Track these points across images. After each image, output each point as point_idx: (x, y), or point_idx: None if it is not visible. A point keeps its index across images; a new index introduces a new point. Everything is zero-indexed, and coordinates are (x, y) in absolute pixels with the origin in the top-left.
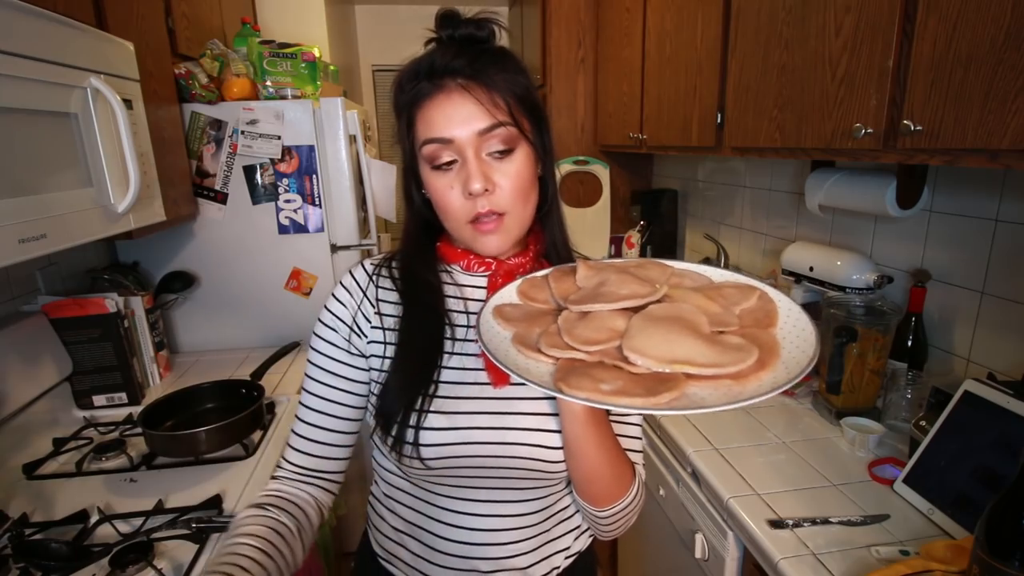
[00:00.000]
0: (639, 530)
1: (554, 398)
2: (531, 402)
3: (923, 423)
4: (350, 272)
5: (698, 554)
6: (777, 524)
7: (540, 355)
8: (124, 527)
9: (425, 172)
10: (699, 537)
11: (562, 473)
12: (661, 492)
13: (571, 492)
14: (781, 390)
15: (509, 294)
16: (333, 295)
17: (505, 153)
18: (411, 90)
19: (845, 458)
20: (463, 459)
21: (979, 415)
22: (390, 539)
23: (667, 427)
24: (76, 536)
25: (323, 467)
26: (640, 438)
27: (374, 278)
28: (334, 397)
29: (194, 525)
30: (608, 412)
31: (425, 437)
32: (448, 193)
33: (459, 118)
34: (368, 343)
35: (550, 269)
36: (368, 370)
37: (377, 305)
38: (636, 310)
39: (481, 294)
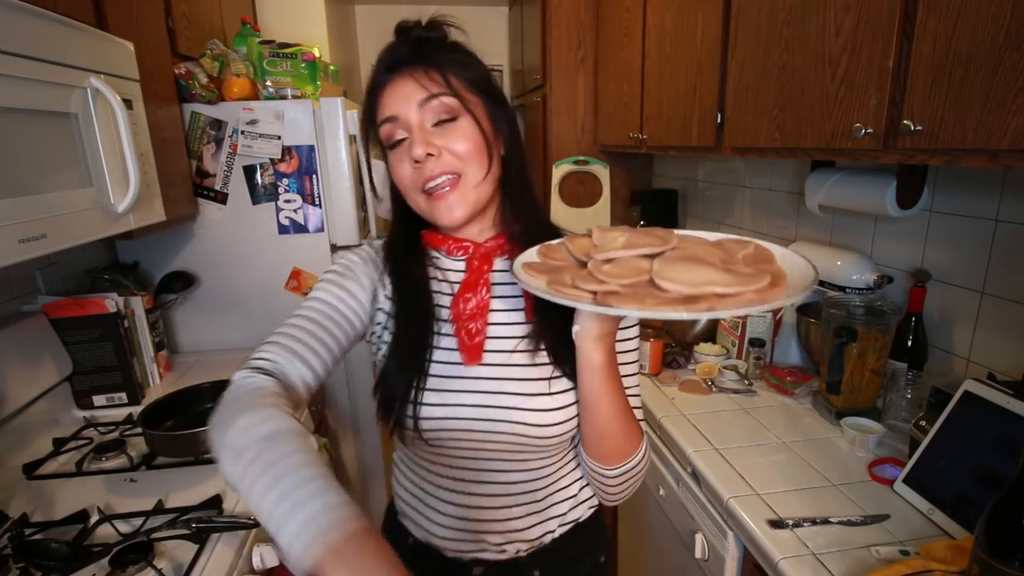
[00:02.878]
0: (639, 530)
1: (549, 364)
2: (515, 383)
3: (923, 423)
4: (368, 245)
5: (698, 554)
6: (777, 524)
7: (578, 291)
8: (124, 527)
9: (387, 156)
10: (699, 537)
11: (548, 446)
12: (661, 492)
13: (566, 463)
14: (800, 298)
15: (529, 255)
16: (357, 253)
17: (447, 121)
18: (370, 83)
19: (845, 458)
20: (456, 432)
21: (979, 415)
22: (403, 499)
23: (667, 427)
24: (76, 536)
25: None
26: (639, 407)
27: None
28: (339, 305)
29: (194, 525)
30: (569, 373)
31: (423, 414)
32: (400, 167)
33: (402, 95)
34: (377, 310)
35: (563, 238)
36: (368, 323)
37: (386, 288)
38: (653, 260)
39: (461, 277)
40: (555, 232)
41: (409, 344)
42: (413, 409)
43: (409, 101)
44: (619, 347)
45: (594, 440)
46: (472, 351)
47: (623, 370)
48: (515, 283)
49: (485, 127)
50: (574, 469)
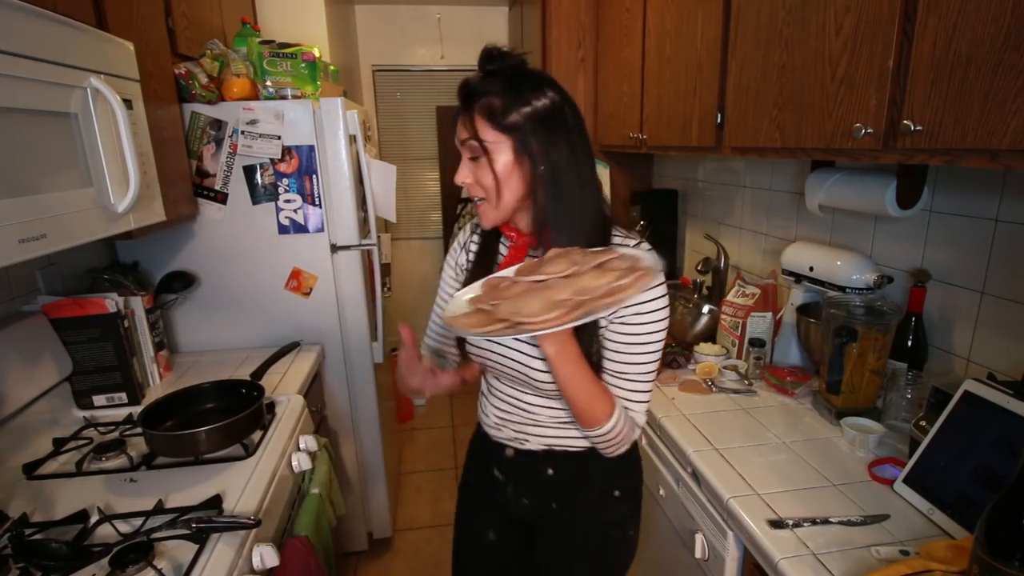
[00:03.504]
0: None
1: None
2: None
3: (923, 423)
4: (458, 228)
5: (698, 554)
6: (777, 524)
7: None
8: (124, 527)
9: None
10: (699, 537)
11: (546, 386)
12: (661, 492)
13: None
14: (656, 283)
15: (473, 289)
16: (455, 237)
17: (474, 159)
18: None
19: (845, 458)
20: (491, 361)
21: (979, 415)
22: (479, 401)
23: (667, 427)
24: (76, 536)
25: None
26: (628, 385)
27: (472, 235)
28: (442, 294)
29: (194, 525)
30: (591, 362)
31: (468, 347)
32: None
33: (456, 133)
34: (455, 276)
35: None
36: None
37: (467, 254)
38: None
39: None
40: (601, 228)
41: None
42: (462, 341)
43: (457, 139)
44: (622, 336)
45: (568, 406)
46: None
47: (624, 357)
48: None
49: (505, 163)
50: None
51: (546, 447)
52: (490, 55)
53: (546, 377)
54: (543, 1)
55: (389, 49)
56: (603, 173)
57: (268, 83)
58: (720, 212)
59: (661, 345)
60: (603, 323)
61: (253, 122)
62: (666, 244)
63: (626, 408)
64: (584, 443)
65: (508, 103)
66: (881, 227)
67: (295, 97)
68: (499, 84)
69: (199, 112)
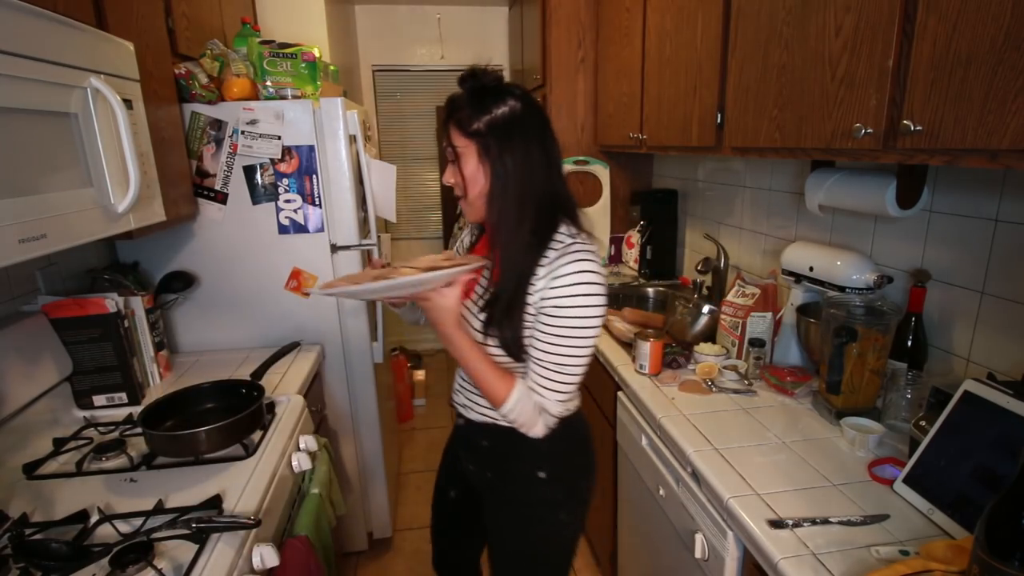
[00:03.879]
0: (639, 530)
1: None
2: (471, 313)
3: (923, 423)
4: (459, 228)
5: (698, 554)
6: (777, 524)
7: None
8: (124, 527)
9: None
10: (699, 537)
11: (497, 358)
12: (661, 492)
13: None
14: (471, 267)
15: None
16: (456, 237)
17: (453, 162)
18: None
19: (845, 458)
20: None
21: (979, 415)
22: None
23: (667, 427)
24: (76, 536)
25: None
26: (542, 372)
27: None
28: None
29: (194, 525)
30: (506, 344)
31: None
32: None
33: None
34: None
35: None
36: None
37: (463, 244)
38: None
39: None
40: (547, 222)
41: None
42: None
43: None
44: (542, 327)
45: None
46: (467, 288)
47: (541, 346)
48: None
49: (471, 165)
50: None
51: (483, 419)
52: (470, 74)
53: (492, 349)
54: (543, 1)
55: (389, 49)
56: (603, 173)
57: (268, 83)
58: (720, 212)
59: (584, 345)
60: (533, 312)
61: (253, 122)
62: (666, 244)
63: (537, 394)
64: (507, 422)
65: (472, 113)
66: (881, 227)
67: (295, 97)
68: (467, 96)
69: (199, 112)
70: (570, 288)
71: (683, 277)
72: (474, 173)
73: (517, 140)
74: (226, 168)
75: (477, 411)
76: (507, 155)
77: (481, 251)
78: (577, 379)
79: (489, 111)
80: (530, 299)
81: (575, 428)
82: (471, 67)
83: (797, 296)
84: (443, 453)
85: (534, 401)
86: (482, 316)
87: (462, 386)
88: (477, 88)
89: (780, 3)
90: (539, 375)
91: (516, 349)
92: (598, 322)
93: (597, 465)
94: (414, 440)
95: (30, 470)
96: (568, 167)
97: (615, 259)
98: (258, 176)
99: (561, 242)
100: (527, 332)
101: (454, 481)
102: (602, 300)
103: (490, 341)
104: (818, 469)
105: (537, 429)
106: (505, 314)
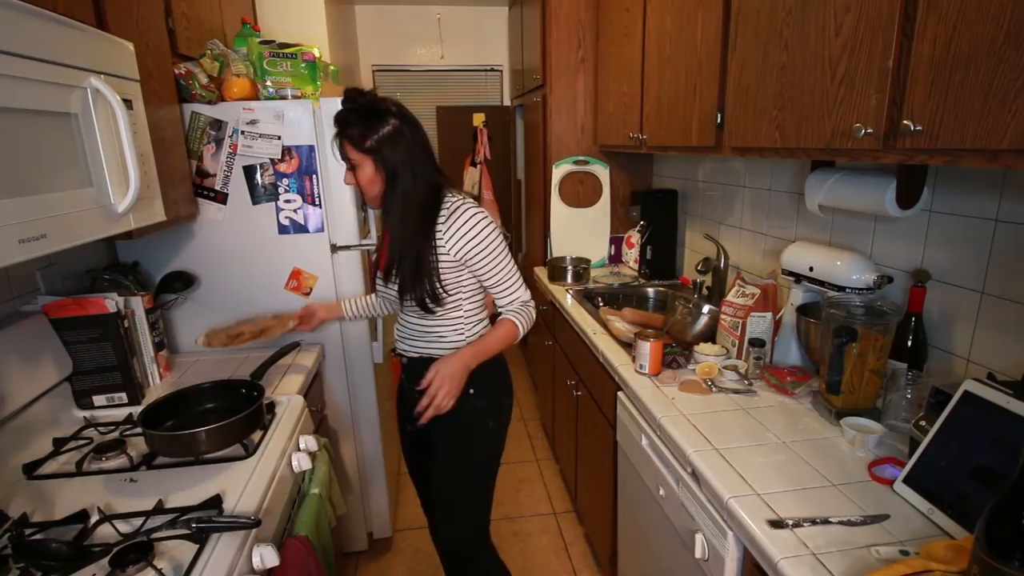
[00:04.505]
0: (639, 530)
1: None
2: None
3: (923, 423)
4: None
5: (698, 554)
6: (777, 524)
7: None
8: (124, 527)
9: None
10: (699, 537)
11: (422, 313)
12: (661, 492)
13: (438, 322)
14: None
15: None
16: None
17: (350, 169)
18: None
19: (845, 458)
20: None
21: (979, 415)
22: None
23: (667, 427)
24: (76, 536)
25: None
26: (503, 285)
27: None
28: None
29: (194, 525)
30: (429, 293)
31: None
32: None
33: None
34: None
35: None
36: None
37: None
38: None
39: None
40: (433, 199)
41: (377, 252)
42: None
43: (337, 154)
44: (471, 263)
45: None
46: (382, 268)
47: (486, 272)
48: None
49: (366, 173)
50: (447, 327)
51: (421, 354)
52: (350, 96)
53: (411, 308)
54: (543, 1)
55: (389, 49)
56: (603, 173)
57: (268, 83)
58: (720, 212)
59: (504, 251)
60: (454, 260)
61: (253, 122)
62: (666, 244)
63: (515, 299)
64: (444, 352)
65: (363, 132)
66: (881, 227)
67: (295, 97)
68: (356, 117)
69: (199, 112)
70: (473, 229)
71: (683, 277)
72: (371, 180)
73: (401, 148)
74: (226, 168)
75: (415, 351)
76: (396, 162)
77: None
78: (516, 270)
79: (377, 130)
80: (444, 256)
81: (495, 359)
82: (349, 89)
83: (797, 296)
84: (396, 392)
85: (518, 311)
86: (394, 284)
87: (401, 335)
88: (362, 109)
89: (780, 3)
90: (503, 288)
91: (435, 300)
92: (499, 235)
93: (514, 391)
94: None
95: (30, 470)
96: (568, 167)
97: (615, 259)
98: (258, 176)
99: (448, 205)
100: (450, 279)
101: (409, 415)
102: (492, 223)
103: (405, 300)
104: (818, 469)
105: (533, 313)
106: (413, 278)
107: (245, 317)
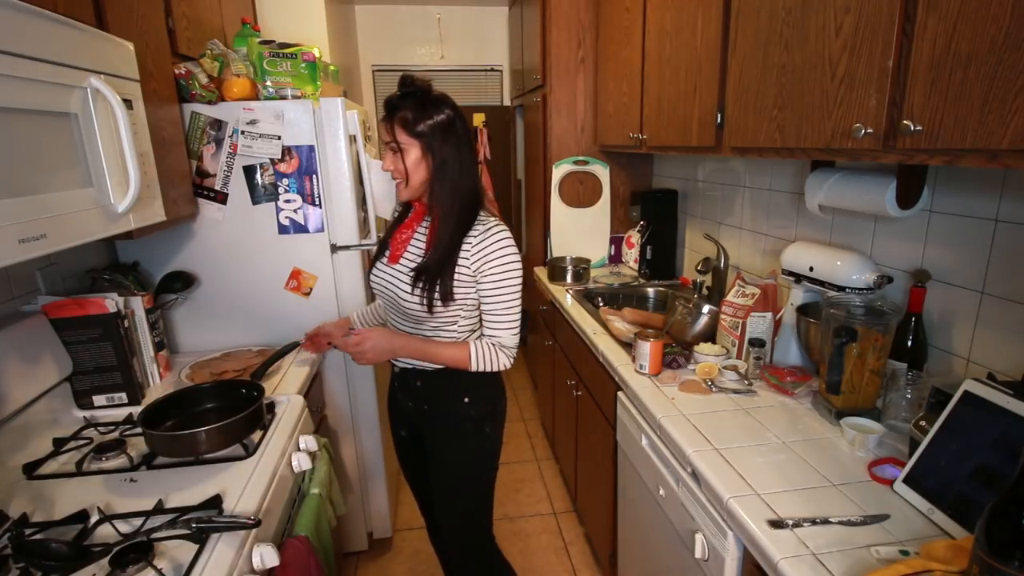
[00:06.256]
0: (639, 530)
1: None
2: (402, 275)
3: (923, 423)
4: None
5: (698, 554)
6: (777, 524)
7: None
8: (124, 527)
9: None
10: (699, 537)
11: (413, 311)
12: (661, 492)
13: (437, 333)
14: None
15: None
16: None
17: (395, 151)
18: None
19: (845, 458)
20: (380, 288)
21: (979, 415)
22: None
23: (667, 427)
24: (76, 536)
25: None
26: (493, 319)
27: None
28: None
29: (194, 525)
30: (444, 295)
31: (372, 277)
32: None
33: (383, 132)
34: None
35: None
36: None
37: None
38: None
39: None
40: (472, 206)
41: (380, 241)
42: (371, 271)
43: (381, 139)
44: (483, 288)
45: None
46: (394, 256)
47: (487, 301)
48: (424, 233)
49: (414, 158)
50: (443, 339)
51: (413, 366)
52: (405, 81)
53: (412, 302)
54: (543, 1)
55: (389, 49)
56: (603, 173)
57: (268, 83)
58: (720, 212)
59: (516, 291)
60: (469, 275)
61: (253, 122)
62: (666, 244)
63: (493, 335)
64: (435, 365)
65: (416, 116)
66: (881, 227)
67: (295, 97)
68: (411, 102)
69: (199, 112)
70: (501, 257)
71: (683, 277)
72: (416, 165)
73: (452, 142)
74: (226, 168)
75: (406, 361)
76: (447, 154)
77: (409, 225)
78: (517, 315)
79: (431, 116)
80: (463, 268)
81: None
82: (405, 76)
83: (797, 296)
84: (388, 399)
85: (488, 346)
86: (412, 275)
87: None
88: (418, 95)
89: (780, 3)
90: (492, 320)
91: (445, 299)
92: (520, 274)
93: (507, 393)
94: None
95: (30, 470)
96: (568, 167)
97: (615, 259)
98: (258, 176)
99: (483, 223)
100: (460, 289)
101: (402, 422)
102: (519, 260)
103: (416, 292)
104: (818, 469)
105: (503, 361)
106: (436, 275)
107: (234, 349)
